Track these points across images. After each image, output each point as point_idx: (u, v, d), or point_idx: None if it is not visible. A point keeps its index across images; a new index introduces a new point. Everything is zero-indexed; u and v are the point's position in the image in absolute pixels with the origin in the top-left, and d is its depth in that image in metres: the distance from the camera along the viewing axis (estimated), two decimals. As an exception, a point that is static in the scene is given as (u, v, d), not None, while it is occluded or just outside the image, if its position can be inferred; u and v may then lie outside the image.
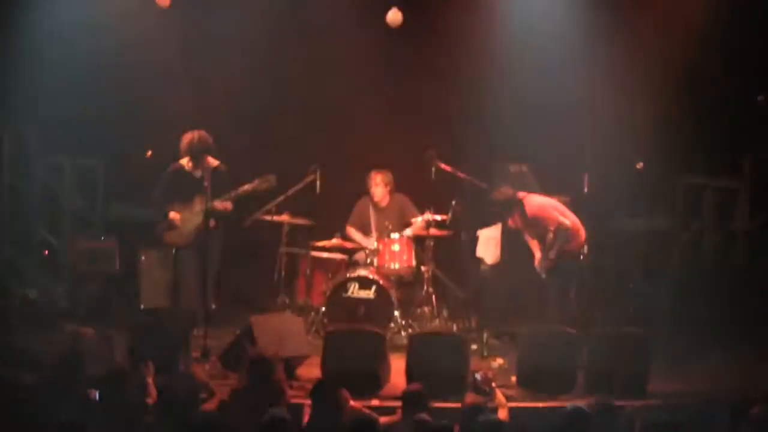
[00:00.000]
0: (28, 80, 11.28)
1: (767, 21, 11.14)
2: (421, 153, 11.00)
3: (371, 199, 11.22)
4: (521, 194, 10.16)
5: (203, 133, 10.24)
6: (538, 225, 10.08)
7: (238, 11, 11.39)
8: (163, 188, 10.32)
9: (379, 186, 11.13)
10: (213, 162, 10.19)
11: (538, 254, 10.15)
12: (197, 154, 10.17)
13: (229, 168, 10.20)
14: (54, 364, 7.37)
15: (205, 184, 9.93)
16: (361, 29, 11.60)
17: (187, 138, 10.23)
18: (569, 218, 10.02)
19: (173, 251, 10.36)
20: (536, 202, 10.14)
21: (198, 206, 10.11)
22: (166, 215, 10.22)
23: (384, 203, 11.18)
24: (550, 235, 10.03)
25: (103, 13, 11.14)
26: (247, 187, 10.05)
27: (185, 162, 10.30)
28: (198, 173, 10.20)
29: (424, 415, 6.70)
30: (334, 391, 7.05)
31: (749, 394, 8.32)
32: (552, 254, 9.99)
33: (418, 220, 10.87)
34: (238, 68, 11.41)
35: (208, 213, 9.98)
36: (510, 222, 10.26)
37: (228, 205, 10.08)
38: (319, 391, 7.09)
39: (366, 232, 11.17)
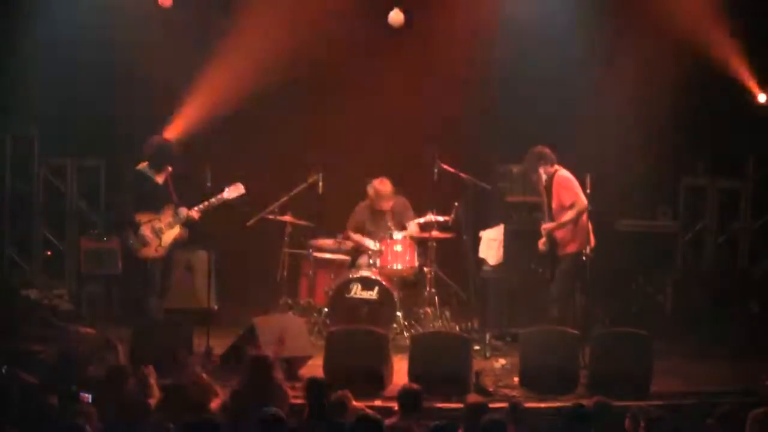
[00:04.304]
0: (29, 82, 11.29)
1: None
2: (423, 154, 10.99)
3: (372, 205, 11.07)
4: (556, 166, 10.19)
5: (166, 140, 10.43)
6: (559, 195, 10.07)
7: (239, 12, 11.39)
8: (127, 192, 10.36)
9: (385, 197, 11.00)
10: (169, 168, 10.28)
11: (546, 224, 10.11)
12: (158, 161, 10.23)
13: (188, 171, 10.29)
14: (50, 364, 7.39)
15: (171, 192, 10.10)
16: (364, 29, 11.61)
17: (150, 143, 10.30)
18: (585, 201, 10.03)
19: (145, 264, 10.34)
20: (566, 174, 10.13)
21: (169, 217, 10.20)
22: (137, 227, 10.16)
23: (388, 207, 11.10)
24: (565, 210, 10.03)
25: (105, 14, 11.14)
26: (215, 200, 10.14)
27: (145, 166, 10.31)
28: (160, 179, 10.25)
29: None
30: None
31: (751, 394, 8.34)
32: (552, 225, 9.99)
33: (412, 225, 10.85)
34: (240, 69, 11.40)
35: (188, 223, 10.18)
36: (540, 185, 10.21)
37: (197, 214, 10.21)
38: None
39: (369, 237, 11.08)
